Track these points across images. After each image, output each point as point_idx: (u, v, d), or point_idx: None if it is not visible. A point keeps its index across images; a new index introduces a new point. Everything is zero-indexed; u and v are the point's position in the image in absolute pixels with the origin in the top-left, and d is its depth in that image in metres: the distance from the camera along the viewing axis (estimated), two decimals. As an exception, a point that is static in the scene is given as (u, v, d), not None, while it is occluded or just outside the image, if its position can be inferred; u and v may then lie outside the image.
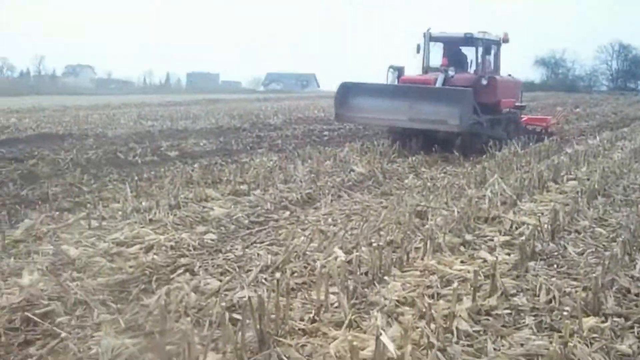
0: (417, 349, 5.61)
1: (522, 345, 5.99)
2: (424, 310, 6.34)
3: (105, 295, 7.24)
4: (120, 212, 10.96)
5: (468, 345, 5.93)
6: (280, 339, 5.90)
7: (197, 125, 29.45)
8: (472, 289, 6.86)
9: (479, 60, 22.20)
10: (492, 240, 9.57)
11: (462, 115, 18.06)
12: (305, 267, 8.10)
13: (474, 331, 6.18)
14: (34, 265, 8.14)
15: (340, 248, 8.48)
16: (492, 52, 23.00)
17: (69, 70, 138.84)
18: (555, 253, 8.98)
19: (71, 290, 7.14)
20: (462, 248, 9.10)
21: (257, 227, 10.58)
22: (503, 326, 6.36)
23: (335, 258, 7.82)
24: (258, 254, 8.86)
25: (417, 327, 5.94)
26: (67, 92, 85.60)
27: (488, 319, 6.50)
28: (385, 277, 7.60)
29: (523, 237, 8.94)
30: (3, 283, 7.42)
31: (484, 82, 21.16)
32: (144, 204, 11.52)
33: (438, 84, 20.02)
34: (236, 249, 9.20)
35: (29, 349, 5.86)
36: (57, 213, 11.09)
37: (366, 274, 7.69)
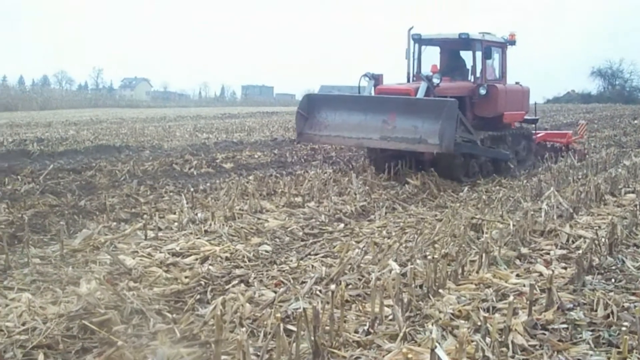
0: (472, 362, 5.60)
1: (578, 360, 5.94)
2: (479, 323, 6.31)
3: (161, 305, 7.31)
4: (176, 223, 11.08)
5: (524, 360, 5.90)
6: (335, 350, 5.91)
7: (252, 137, 29.67)
8: (528, 302, 6.79)
9: (478, 66, 19.13)
10: (549, 253, 9.47)
11: (444, 133, 14.89)
12: (360, 280, 8.10)
13: (530, 345, 6.12)
14: (91, 274, 8.26)
15: (395, 261, 8.45)
16: (495, 55, 19.90)
17: (125, 83, 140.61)
18: (613, 267, 8.81)
19: (128, 300, 7.22)
20: (517, 261, 9.02)
21: (312, 239, 10.61)
22: (560, 341, 6.28)
23: (390, 271, 7.78)
24: (312, 266, 8.89)
25: (472, 341, 5.90)
26: (124, 105, 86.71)
27: (544, 334, 6.42)
28: (440, 290, 7.56)
29: (580, 251, 8.83)
30: (62, 291, 7.54)
31: (482, 91, 18.38)
32: (199, 215, 11.64)
33: (419, 94, 16.62)
34: (291, 261, 9.23)
35: (86, 356, 5.93)
36: (115, 223, 11.27)
37: (421, 286, 7.67)
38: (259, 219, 11.75)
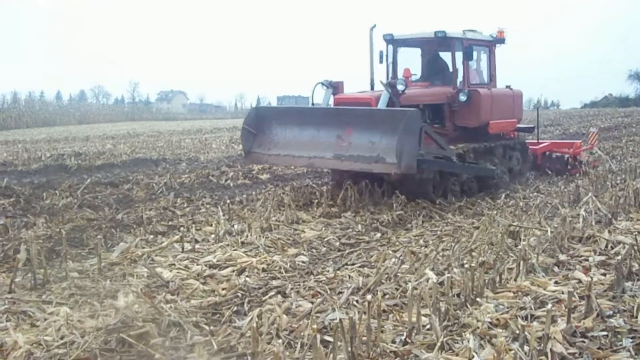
0: (510, 371, 5.55)
1: (619, 368, 5.87)
2: (517, 332, 6.25)
3: (198, 317, 7.34)
4: (212, 235, 11.13)
5: (563, 368, 5.84)
6: (372, 361, 5.89)
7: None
8: (566, 310, 6.73)
9: (459, 68, 16.69)
10: (587, 260, 9.37)
11: (402, 150, 12.61)
12: (397, 289, 8.08)
13: (569, 354, 6.05)
14: (129, 287, 8.30)
15: (432, 269, 8.43)
16: (480, 55, 17.85)
17: (162, 96, 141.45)
18: (653, 273, 8.71)
19: (165, 312, 7.25)
20: (556, 268, 8.94)
21: (348, 249, 10.62)
22: (599, 348, 6.21)
23: (427, 280, 7.77)
24: (349, 276, 8.89)
25: (511, 350, 5.85)
26: (160, 118, 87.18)
27: (584, 341, 6.35)
28: (478, 299, 7.51)
29: (619, 257, 8.74)
30: (99, 305, 7.60)
31: (462, 97, 16.13)
32: (236, 226, 11.68)
33: (380, 104, 14.43)
34: (327, 271, 9.24)
35: (124, 369, 5.96)
36: (152, 236, 11.34)
37: (458, 295, 7.63)
38: (295, 229, 11.78)
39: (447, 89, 16.45)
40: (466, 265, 8.03)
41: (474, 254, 9.49)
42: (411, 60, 17.64)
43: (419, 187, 14.82)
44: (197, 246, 10.52)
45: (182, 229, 11.28)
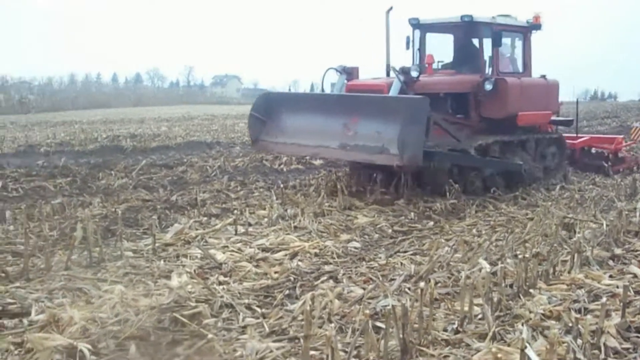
0: (563, 364, 5.52)
1: (674, 364, 5.80)
2: (570, 325, 6.22)
3: (250, 300, 7.40)
4: (266, 219, 11.18)
5: (616, 363, 5.78)
6: (423, 348, 5.89)
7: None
8: (621, 304, 6.66)
9: (486, 55, 15.75)
10: (643, 255, 9.27)
11: (405, 140, 11.80)
12: (449, 278, 8.06)
13: (623, 348, 6.00)
14: (182, 268, 8.40)
15: (485, 259, 8.37)
16: (515, 42, 16.96)
17: (216, 80, 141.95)
18: None
19: (218, 294, 7.34)
20: (611, 262, 8.85)
21: (401, 236, 10.61)
22: (654, 344, 6.15)
23: (480, 269, 7.72)
24: (401, 263, 8.88)
25: (564, 342, 5.81)
26: (214, 102, 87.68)
27: (638, 337, 6.29)
28: (531, 290, 7.46)
29: (676, 252, 8.65)
30: (153, 284, 7.69)
31: (488, 86, 15.00)
32: (289, 211, 11.72)
33: (392, 91, 13.47)
34: (380, 258, 9.24)
35: (176, 348, 6.02)
36: (205, 218, 11.42)
37: (511, 286, 7.58)
38: (348, 215, 11.79)
39: (473, 77, 15.36)
40: (520, 256, 7.96)
41: (527, 245, 9.42)
42: (442, 46, 16.88)
43: (433, 180, 14.10)
44: (250, 229, 10.57)
45: (235, 212, 11.32)
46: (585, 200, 13.02)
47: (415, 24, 16.19)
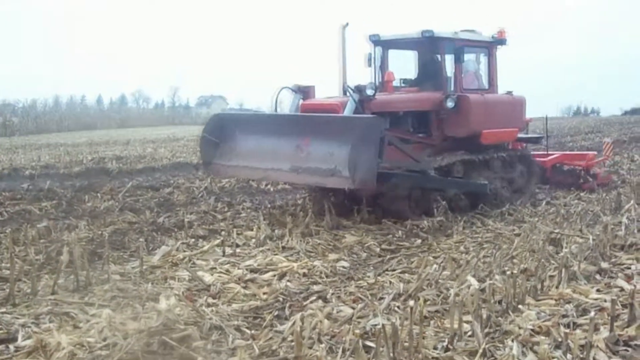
0: (553, 379, 5.52)
1: (663, 377, 5.81)
2: (559, 339, 6.24)
3: (239, 321, 7.41)
4: (253, 240, 11.19)
5: (606, 377, 5.79)
6: (414, 367, 5.88)
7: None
8: (609, 318, 6.68)
9: (448, 71, 15.32)
10: (630, 268, 9.28)
11: (357, 162, 11.25)
12: (438, 295, 8.06)
13: (612, 362, 6.02)
14: (170, 290, 8.38)
15: (474, 276, 8.39)
16: (478, 58, 16.36)
17: (201, 100, 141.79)
18: (698, 281, 8.61)
19: (207, 316, 7.32)
20: (598, 276, 8.87)
21: (389, 254, 10.62)
22: (643, 357, 6.17)
23: (469, 286, 7.74)
24: (390, 282, 8.89)
25: (553, 357, 5.84)
26: (200, 122, 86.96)
27: (627, 350, 6.31)
28: (520, 306, 7.47)
29: (662, 265, 8.69)
30: (141, 308, 7.63)
31: (450, 104, 14.53)
32: (276, 231, 11.71)
33: (346, 111, 12.90)
34: (368, 277, 9.24)
35: (167, 372, 5.99)
36: (193, 240, 11.42)
37: (500, 302, 7.59)
38: (335, 235, 11.79)
39: (435, 95, 14.85)
40: (508, 272, 8.01)
41: (515, 261, 9.45)
42: (406, 64, 16.40)
43: (393, 203, 13.47)
44: (237, 250, 10.57)
45: (223, 233, 11.29)
46: (571, 215, 13.04)
47: (376, 40, 15.77)
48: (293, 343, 6.01)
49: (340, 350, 6.37)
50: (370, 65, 15.91)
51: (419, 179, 13.28)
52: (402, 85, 15.94)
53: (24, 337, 6.72)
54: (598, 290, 8.22)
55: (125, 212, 14.22)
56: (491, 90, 16.05)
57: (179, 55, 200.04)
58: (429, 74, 15.58)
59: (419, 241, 11.51)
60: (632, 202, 13.05)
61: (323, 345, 6.38)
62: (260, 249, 10.70)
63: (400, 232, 12.03)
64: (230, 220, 13.22)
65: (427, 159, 13.80)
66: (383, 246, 11.18)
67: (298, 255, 10.37)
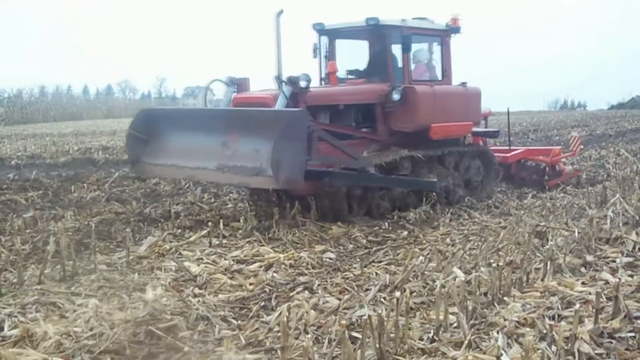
0: (538, 370, 5.55)
1: (646, 369, 5.85)
2: (544, 331, 6.26)
3: (226, 312, 7.42)
4: (240, 231, 11.17)
5: (590, 368, 5.82)
6: (399, 358, 5.90)
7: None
8: (594, 311, 6.71)
9: (397, 62, 14.46)
10: (614, 261, 9.33)
11: (281, 160, 10.51)
12: (424, 287, 8.09)
13: (596, 354, 6.03)
14: (157, 281, 8.39)
15: (459, 268, 8.41)
16: (431, 48, 15.59)
17: (188, 91, 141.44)
18: (682, 275, 8.65)
19: (193, 306, 7.34)
20: (583, 269, 8.89)
21: (375, 246, 10.66)
22: (627, 349, 6.17)
23: (455, 278, 7.76)
24: (376, 273, 8.92)
25: (538, 349, 5.84)
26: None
27: (611, 342, 6.32)
28: (505, 298, 7.50)
29: (647, 259, 8.73)
30: (128, 298, 7.65)
31: (396, 96, 13.70)
32: (263, 222, 11.71)
33: (278, 104, 12.14)
34: (354, 268, 9.27)
35: (152, 362, 6.00)
36: (179, 231, 11.41)
37: (485, 294, 7.62)
38: (322, 226, 11.81)
39: (380, 87, 14.04)
40: (493, 265, 8.01)
41: (501, 253, 9.46)
42: (357, 54, 15.57)
43: (331, 203, 12.58)
44: (224, 241, 10.59)
45: (209, 223, 11.26)
46: (557, 208, 13.09)
47: (320, 29, 15.01)
48: (279, 333, 6.02)
49: (326, 341, 6.39)
50: (315, 56, 15.26)
51: (357, 177, 12.59)
52: (349, 77, 15.25)
53: (10, 326, 6.73)
54: (583, 283, 8.22)
55: (112, 203, 14.25)
56: (445, 82, 15.29)
57: (166, 46, 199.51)
58: (377, 65, 14.80)
59: (406, 233, 11.56)
60: (617, 196, 13.03)
61: (309, 335, 6.36)
62: (247, 240, 10.72)
63: (386, 223, 12.08)
64: (217, 211, 13.24)
65: (367, 155, 13.08)
66: (369, 238, 11.23)
67: (285, 246, 10.42)
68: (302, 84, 12.21)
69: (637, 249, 9.82)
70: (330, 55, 15.15)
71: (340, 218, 12.37)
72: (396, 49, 14.46)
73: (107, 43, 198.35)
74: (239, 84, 13.63)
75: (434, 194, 13.90)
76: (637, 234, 10.51)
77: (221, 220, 11.57)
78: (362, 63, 15.39)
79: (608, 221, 11.05)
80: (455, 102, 15.07)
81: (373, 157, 13.07)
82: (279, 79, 12.32)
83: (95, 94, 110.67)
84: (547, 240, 10.19)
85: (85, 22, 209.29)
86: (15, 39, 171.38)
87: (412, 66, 14.81)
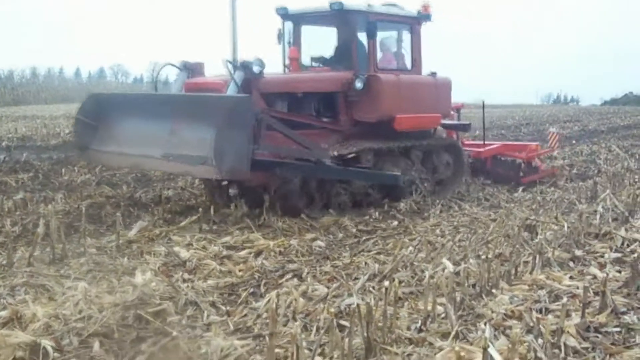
0: (524, 363, 5.57)
1: (632, 364, 5.87)
2: (531, 324, 6.28)
3: (215, 297, 7.45)
4: (230, 217, 11.16)
5: (576, 362, 5.85)
6: (387, 347, 5.91)
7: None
8: (581, 305, 6.74)
9: (361, 49, 13.70)
10: (603, 256, 9.36)
11: (223, 149, 10.05)
12: (413, 277, 8.10)
13: (582, 348, 6.06)
14: (146, 265, 8.41)
15: (449, 259, 8.42)
16: (400, 35, 14.76)
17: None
18: (669, 271, 8.68)
19: (182, 291, 7.35)
20: (571, 263, 8.92)
21: (365, 235, 10.67)
22: (612, 344, 6.20)
23: (443, 269, 7.78)
24: (365, 263, 8.93)
25: (525, 342, 5.86)
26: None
27: (597, 336, 6.35)
28: (493, 290, 7.52)
29: (635, 255, 8.77)
30: (117, 281, 7.68)
31: (358, 85, 12.99)
32: (253, 209, 11.68)
33: (229, 90, 11.42)
34: (344, 257, 9.29)
35: (140, 345, 5.99)
36: (169, 216, 11.38)
37: (474, 286, 7.63)
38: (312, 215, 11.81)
39: (343, 75, 13.30)
40: (482, 257, 8.06)
41: (490, 245, 9.49)
42: (325, 40, 14.85)
43: (284, 196, 11.92)
44: (214, 227, 10.60)
45: (200, 209, 11.23)
46: (547, 202, 13.13)
47: (284, 14, 14.31)
48: (268, 320, 6.04)
49: (314, 329, 6.41)
50: (280, 42, 14.59)
51: (311, 168, 12.01)
52: (314, 64, 14.58)
53: (-1, 307, 6.73)
54: (571, 277, 8.25)
55: (102, 186, 14.21)
56: (414, 72, 14.55)
57: (159, 30, 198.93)
58: (343, 52, 14.12)
59: (396, 223, 11.57)
60: (607, 191, 13.06)
61: (298, 323, 6.42)
62: (237, 226, 10.74)
63: (377, 213, 12.08)
64: (208, 197, 13.21)
65: (324, 146, 12.40)
66: (359, 227, 11.24)
67: (275, 233, 10.43)
68: (255, 69, 11.56)
69: (625, 244, 9.85)
70: (295, 42, 14.56)
71: (294, 212, 11.76)
72: (363, 36, 13.85)
73: (101, 26, 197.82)
74: (192, 69, 13.06)
75: (425, 185, 13.91)
76: (626, 230, 10.55)
77: (212, 206, 11.56)
78: (329, 50, 14.71)
79: (598, 216, 11.10)
80: (423, 92, 14.41)
81: (331, 148, 12.51)
82: (229, 63, 11.94)
83: (88, 77, 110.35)
84: (537, 234, 10.25)
85: (78, 4, 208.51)
86: (4, 19, 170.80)
87: (380, 54, 14.19)
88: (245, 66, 11.50)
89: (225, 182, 12.73)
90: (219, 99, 10.99)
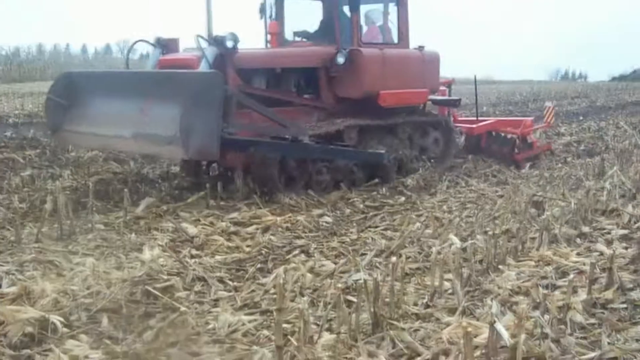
0: (530, 338, 5.56)
1: (637, 340, 5.86)
2: (538, 300, 6.30)
3: (222, 273, 7.47)
4: (238, 193, 11.15)
5: (582, 338, 5.82)
6: (394, 322, 5.92)
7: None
8: (587, 281, 6.74)
9: (344, 23, 13.19)
10: (610, 233, 9.35)
11: (190, 128, 9.59)
12: (420, 253, 8.13)
13: (588, 324, 6.07)
14: (154, 241, 8.41)
15: (456, 235, 8.44)
16: (387, 8, 14.26)
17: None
18: (676, 248, 8.68)
19: (190, 267, 7.38)
20: (578, 240, 8.91)
21: (372, 211, 10.68)
22: (619, 320, 6.20)
23: (450, 245, 7.80)
24: (372, 238, 8.95)
25: (531, 317, 5.88)
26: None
27: (603, 313, 6.36)
28: (500, 266, 7.53)
29: (642, 231, 8.76)
30: (125, 257, 7.70)
31: (340, 59, 12.49)
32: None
33: (201, 66, 11.02)
34: (351, 233, 9.31)
35: (149, 320, 6.03)
36: (177, 192, 11.39)
37: (481, 262, 7.64)
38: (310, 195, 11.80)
39: (325, 49, 12.85)
40: (489, 233, 8.05)
41: (497, 222, 9.48)
42: (308, 16, 14.41)
43: (263, 175, 11.43)
44: (222, 203, 10.60)
45: (207, 185, 11.21)
46: (554, 179, 13.10)
47: None
48: (275, 295, 6.05)
49: (321, 304, 6.43)
50: (262, 17, 14.10)
51: (288, 147, 11.52)
52: (296, 39, 14.27)
53: (8, 284, 6.73)
54: (578, 254, 8.23)
55: (110, 162, 14.22)
56: (401, 46, 14.03)
57: (167, 7, 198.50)
58: (326, 26, 13.73)
59: (403, 199, 11.56)
60: (615, 168, 13.02)
61: (305, 298, 6.45)
62: (245, 202, 10.76)
63: (384, 189, 12.08)
64: (215, 172, 13.22)
65: (304, 124, 12.05)
66: (367, 203, 11.23)
67: (282, 209, 10.45)
68: (229, 44, 11.11)
69: (632, 221, 9.81)
70: (278, 16, 14.08)
71: (272, 192, 11.31)
72: (347, 9, 13.26)
73: (108, 2, 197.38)
74: (166, 45, 12.43)
75: (431, 161, 13.84)
76: (633, 206, 10.50)
77: (219, 182, 11.57)
78: (314, 25, 14.28)
79: (605, 193, 11.06)
80: (409, 67, 13.87)
81: (312, 126, 12.10)
82: (200, 38, 11.37)
83: (94, 54, 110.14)
84: (544, 210, 10.23)
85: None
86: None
87: (365, 28, 13.86)
88: (218, 41, 11.11)
89: (204, 163, 12.58)
90: (185, 76, 10.54)
